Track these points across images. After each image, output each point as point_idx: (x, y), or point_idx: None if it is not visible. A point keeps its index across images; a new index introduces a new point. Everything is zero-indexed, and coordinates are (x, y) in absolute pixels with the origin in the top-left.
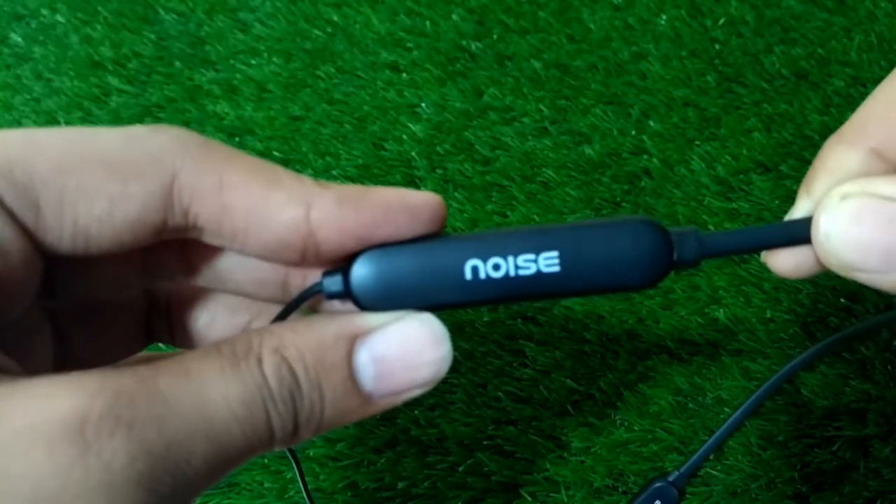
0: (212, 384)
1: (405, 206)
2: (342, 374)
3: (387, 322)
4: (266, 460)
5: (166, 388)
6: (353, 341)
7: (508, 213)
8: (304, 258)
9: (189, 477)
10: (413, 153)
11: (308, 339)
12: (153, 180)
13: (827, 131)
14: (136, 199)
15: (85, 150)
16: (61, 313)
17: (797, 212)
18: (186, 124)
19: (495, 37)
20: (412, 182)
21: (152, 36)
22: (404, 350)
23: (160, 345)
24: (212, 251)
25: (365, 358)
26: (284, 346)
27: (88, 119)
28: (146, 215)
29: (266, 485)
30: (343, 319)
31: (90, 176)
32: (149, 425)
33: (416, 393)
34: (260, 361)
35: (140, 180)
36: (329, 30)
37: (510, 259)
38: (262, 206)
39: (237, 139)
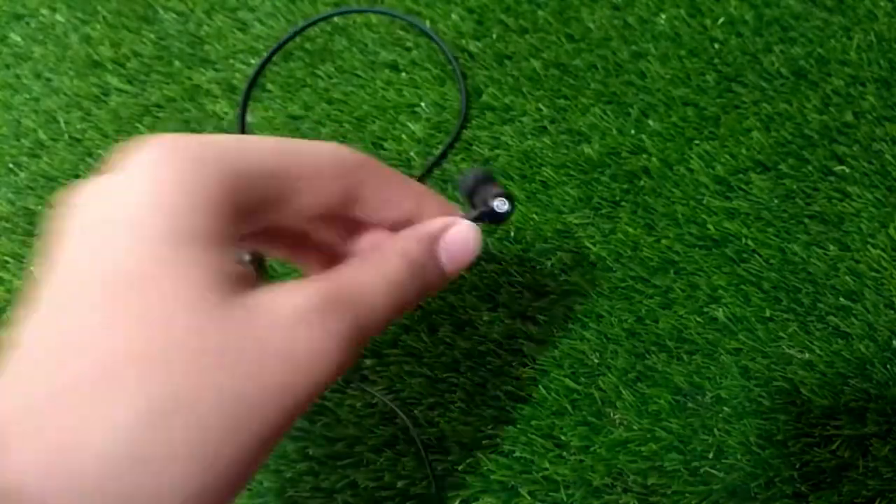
0: (371, 276)
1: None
2: (434, 262)
3: (447, 227)
4: (265, 460)
5: (350, 284)
6: (435, 241)
7: None
8: (401, 227)
9: (367, 335)
10: (412, 153)
11: (414, 244)
12: (350, 184)
13: (826, 130)
14: (338, 195)
15: (317, 160)
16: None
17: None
18: (186, 123)
19: (495, 36)
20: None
21: (152, 35)
22: (460, 243)
23: None
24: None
25: (442, 251)
26: (406, 249)
27: (88, 118)
28: (340, 205)
29: (266, 484)
30: (423, 229)
31: (320, 181)
32: (345, 310)
33: (468, 267)
34: (397, 260)
35: (343, 182)
36: (329, 29)
37: None
38: (397, 201)
39: None
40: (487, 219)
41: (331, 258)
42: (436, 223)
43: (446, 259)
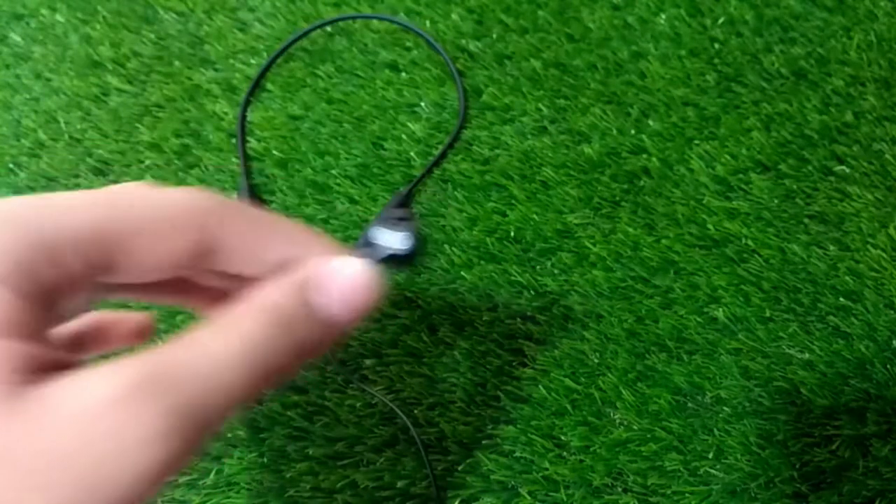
0: (213, 349)
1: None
2: (306, 312)
3: (322, 267)
4: (265, 459)
5: (178, 359)
6: (310, 288)
7: (508, 212)
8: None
9: (205, 424)
10: (412, 153)
11: (276, 294)
12: (197, 235)
13: (826, 130)
14: (185, 249)
15: (152, 214)
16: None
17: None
18: (186, 123)
19: (494, 36)
20: (411, 181)
21: (152, 35)
22: (342, 286)
23: None
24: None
25: (317, 297)
26: (266, 305)
27: (88, 118)
28: (190, 258)
29: (266, 484)
30: (296, 275)
31: (156, 236)
32: (170, 392)
33: (364, 315)
34: (250, 321)
35: (189, 236)
36: (329, 30)
37: None
38: (266, 248)
39: (234, 140)
40: (384, 256)
41: (221, 296)
42: (311, 268)
43: (337, 305)
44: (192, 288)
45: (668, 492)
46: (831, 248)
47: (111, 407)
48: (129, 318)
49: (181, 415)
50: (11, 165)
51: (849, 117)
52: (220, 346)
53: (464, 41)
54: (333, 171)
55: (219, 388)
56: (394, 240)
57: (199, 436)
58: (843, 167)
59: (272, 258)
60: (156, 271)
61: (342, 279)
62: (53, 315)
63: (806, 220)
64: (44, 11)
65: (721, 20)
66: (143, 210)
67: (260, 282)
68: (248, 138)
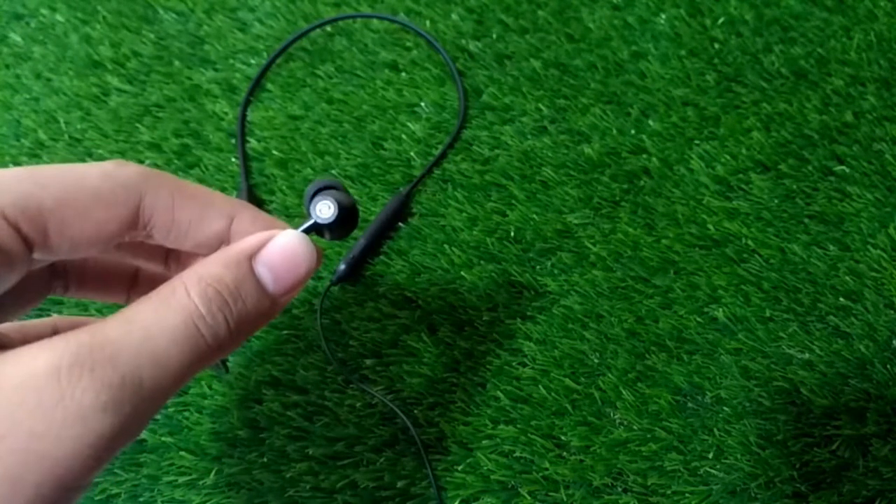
0: (149, 321)
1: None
2: (252, 283)
3: (265, 240)
4: (265, 459)
5: (114, 333)
6: (249, 259)
7: (508, 212)
8: (215, 251)
9: (144, 398)
10: (412, 152)
11: (219, 265)
12: (126, 206)
13: (826, 130)
14: (115, 220)
15: (78, 186)
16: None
17: None
18: (186, 123)
19: (494, 36)
20: (411, 181)
21: (152, 35)
22: (284, 257)
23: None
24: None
25: (262, 268)
26: (203, 276)
27: (88, 118)
28: (120, 229)
29: (266, 484)
30: (233, 247)
31: (83, 206)
32: (105, 366)
33: (302, 285)
34: (188, 292)
35: (118, 207)
36: (329, 29)
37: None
38: (200, 219)
39: (234, 140)
40: (316, 229)
41: None
42: (250, 239)
43: (271, 280)
44: (146, 283)
45: (668, 492)
46: (831, 248)
47: (47, 381)
48: (91, 321)
49: (117, 388)
50: (11, 165)
51: (849, 117)
52: (155, 319)
53: (464, 41)
54: (333, 171)
55: (155, 362)
56: (321, 207)
57: (137, 410)
58: (843, 167)
59: (208, 231)
60: (90, 245)
61: (284, 253)
62: None
63: (806, 220)
64: (44, 11)
65: (721, 20)
66: (64, 182)
67: (198, 256)
68: (248, 138)
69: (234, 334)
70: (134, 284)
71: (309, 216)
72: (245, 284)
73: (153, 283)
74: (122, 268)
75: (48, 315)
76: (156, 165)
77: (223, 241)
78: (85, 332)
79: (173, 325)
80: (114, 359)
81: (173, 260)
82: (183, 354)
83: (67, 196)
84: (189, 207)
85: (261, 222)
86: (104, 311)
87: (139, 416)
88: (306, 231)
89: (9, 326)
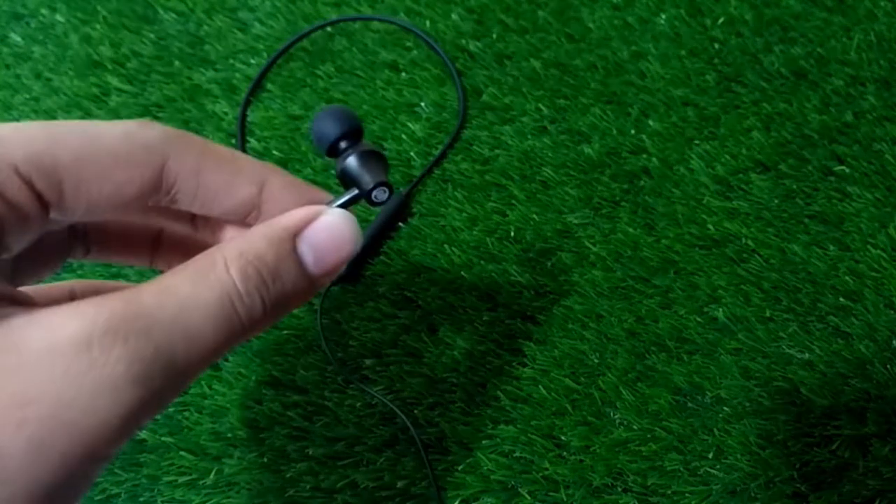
0: (185, 294)
1: (316, 207)
2: (294, 263)
3: (311, 217)
4: (265, 459)
5: (148, 303)
6: (293, 237)
7: (508, 212)
8: (245, 220)
9: (176, 372)
10: (412, 152)
11: (262, 241)
12: (148, 168)
13: (826, 130)
14: (136, 183)
15: (95, 143)
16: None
17: None
18: (186, 123)
19: (494, 36)
20: (411, 181)
21: (152, 35)
22: (330, 237)
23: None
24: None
25: (305, 247)
26: (245, 251)
27: (88, 118)
28: (141, 193)
29: (266, 484)
30: (277, 222)
31: (102, 165)
32: (139, 336)
33: (343, 266)
34: (227, 267)
35: (139, 168)
36: (328, 29)
37: None
38: (228, 184)
39: (234, 140)
40: (357, 201)
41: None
42: (295, 215)
43: (313, 260)
44: (170, 246)
45: (668, 492)
46: (831, 248)
47: (79, 348)
48: (111, 285)
49: (150, 360)
50: None
51: (849, 117)
52: (192, 293)
53: (464, 41)
54: (333, 171)
55: (189, 337)
56: (378, 193)
57: (167, 384)
58: (843, 167)
59: (236, 198)
60: (108, 207)
61: (331, 233)
62: (3, 250)
63: (806, 220)
64: (44, 11)
65: (721, 20)
66: (82, 139)
67: (232, 225)
68: (248, 138)
69: (269, 314)
70: (157, 247)
71: (352, 189)
72: (286, 263)
73: (178, 245)
74: (145, 230)
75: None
76: None
77: (253, 207)
78: (119, 299)
79: (209, 301)
80: (148, 330)
81: (200, 221)
82: (217, 331)
83: (84, 153)
84: (216, 172)
85: (293, 188)
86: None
87: (168, 390)
88: (347, 203)
89: (25, 290)
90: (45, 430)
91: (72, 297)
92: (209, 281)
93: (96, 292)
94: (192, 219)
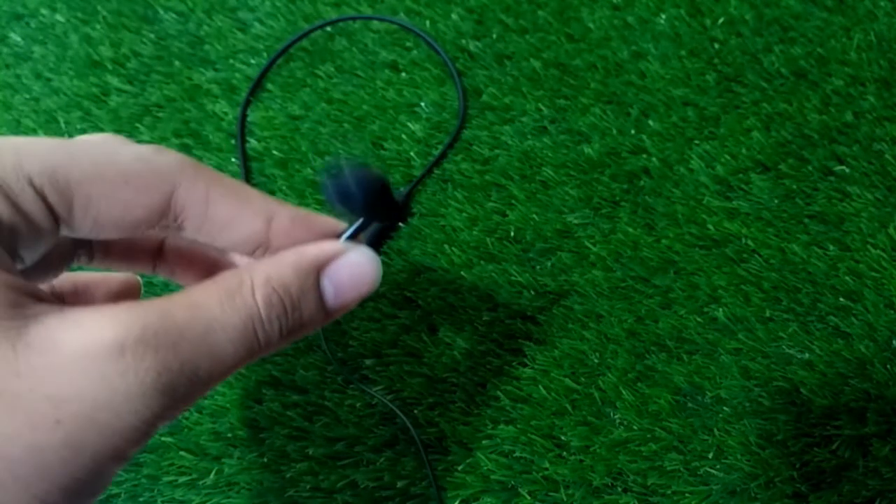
0: (214, 315)
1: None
2: (314, 296)
3: (338, 253)
4: (265, 459)
5: (179, 318)
6: (318, 271)
7: (508, 212)
8: (253, 254)
9: (197, 384)
10: (412, 152)
11: (288, 272)
12: (158, 193)
13: (826, 130)
14: (144, 206)
15: (109, 163)
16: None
17: None
18: (186, 123)
19: (494, 36)
20: (411, 181)
21: (152, 35)
22: (353, 275)
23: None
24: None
25: (327, 283)
26: (271, 278)
27: (88, 118)
28: (149, 216)
29: (266, 484)
30: (306, 253)
31: (112, 186)
32: (168, 349)
33: (359, 302)
34: (253, 292)
35: (148, 192)
36: (329, 29)
37: None
38: (235, 216)
39: (234, 140)
40: (378, 237)
41: (200, 265)
42: (324, 248)
43: (332, 295)
44: (173, 255)
45: (668, 492)
46: (831, 248)
47: (111, 353)
48: (113, 277)
49: (176, 373)
50: None
51: (849, 117)
52: (219, 314)
53: (464, 41)
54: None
55: (212, 355)
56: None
57: (187, 396)
58: (843, 167)
59: (243, 232)
60: (114, 228)
61: (354, 271)
62: (15, 260)
63: (806, 220)
64: (44, 11)
65: (721, 20)
66: (96, 158)
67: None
68: (248, 138)
69: (284, 340)
70: (160, 255)
71: (373, 221)
72: (308, 295)
73: (180, 255)
74: (147, 238)
75: None
76: None
77: (261, 243)
78: (151, 310)
79: (235, 325)
80: (176, 345)
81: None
82: (237, 352)
83: (97, 172)
84: (224, 204)
85: (302, 222)
86: None
87: (186, 401)
88: (357, 231)
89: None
90: (80, 429)
91: (74, 289)
92: (235, 304)
93: (96, 284)
94: None
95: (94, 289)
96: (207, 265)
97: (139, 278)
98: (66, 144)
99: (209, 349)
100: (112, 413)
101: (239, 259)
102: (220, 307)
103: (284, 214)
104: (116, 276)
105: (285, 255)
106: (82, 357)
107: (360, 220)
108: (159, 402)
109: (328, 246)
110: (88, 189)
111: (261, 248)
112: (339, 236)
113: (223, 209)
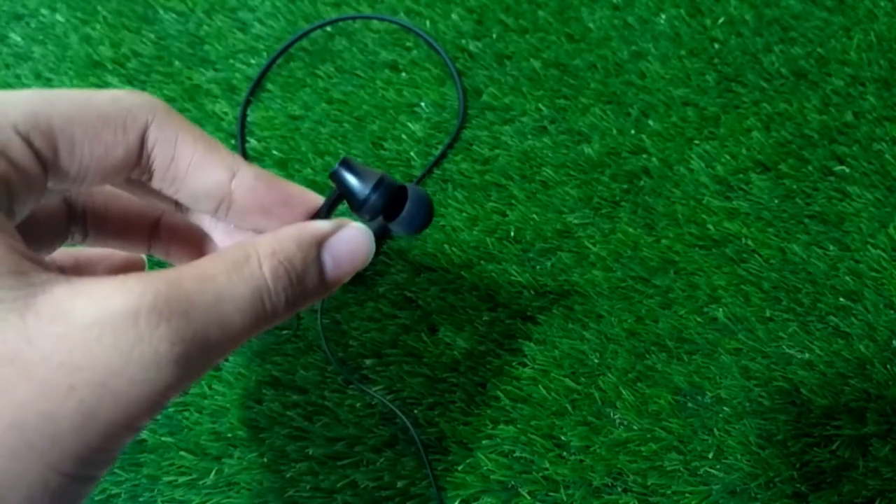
0: (222, 285)
1: (301, 201)
2: (316, 269)
3: (335, 228)
4: (265, 459)
5: (189, 288)
6: (319, 244)
7: (508, 212)
8: (216, 212)
9: (209, 354)
10: (412, 152)
11: (292, 245)
12: (133, 131)
13: (826, 130)
14: (122, 145)
15: (87, 106)
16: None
17: None
18: None
19: (494, 36)
20: (411, 181)
21: (152, 35)
22: (350, 249)
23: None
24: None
25: (327, 256)
26: (276, 251)
27: None
28: (128, 157)
29: (266, 484)
30: (306, 228)
31: (92, 127)
32: (180, 318)
33: (353, 274)
34: (260, 264)
35: (125, 131)
36: (329, 29)
37: None
38: (201, 163)
39: (234, 140)
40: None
41: (195, 245)
42: (322, 225)
43: (331, 268)
44: (167, 232)
45: (668, 492)
46: (831, 248)
47: (125, 323)
48: (116, 253)
49: (189, 342)
50: None
51: (849, 117)
52: (227, 285)
53: (464, 41)
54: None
55: (222, 325)
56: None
57: (198, 367)
58: (843, 167)
59: (207, 180)
60: (99, 170)
61: (351, 245)
62: (12, 215)
63: (806, 220)
64: (44, 11)
65: (721, 20)
66: (73, 101)
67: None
68: (248, 138)
69: (287, 311)
70: (155, 234)
71: (379, 216)
72: (310, 268)
73: (175, 233)
74: (142, 216)
75: None
76: None
77: (224, 196)
78: (160, 280)
79: (244, 295)
80: (188, 314)
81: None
82: (245, 322)
83: (76, 114)
84: (191, 147)
85: (265, 180)
86: None
87: (198, 372)
88: (333, 204)
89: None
90: (94, 397)
91: (76, 263)
92: (243, 276)
93: (99, 260)
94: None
95: (96, 263)
96: (203, 245)
97: (143, 257)
98: (43, 92)
99: (219, 318)
100: (126, 381)
101: (219, 238)
102: (227, 278)
103: (248, 171)
104: (119, 253)
105: (286, 230)
106: (95, 325)
107: (336, 194)
108: (173, 372)
109: (328, 223)
110: (70, 131)
111: (224, 204)
112: (318, 212)
113: (189, 151)
